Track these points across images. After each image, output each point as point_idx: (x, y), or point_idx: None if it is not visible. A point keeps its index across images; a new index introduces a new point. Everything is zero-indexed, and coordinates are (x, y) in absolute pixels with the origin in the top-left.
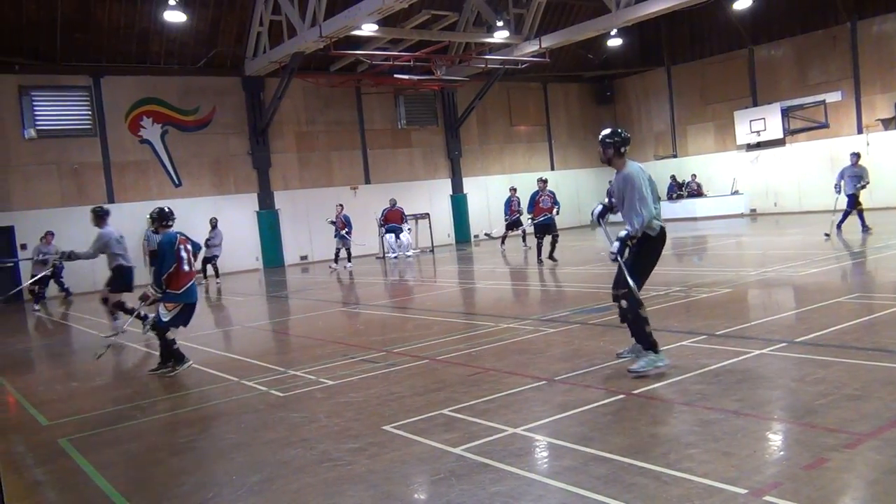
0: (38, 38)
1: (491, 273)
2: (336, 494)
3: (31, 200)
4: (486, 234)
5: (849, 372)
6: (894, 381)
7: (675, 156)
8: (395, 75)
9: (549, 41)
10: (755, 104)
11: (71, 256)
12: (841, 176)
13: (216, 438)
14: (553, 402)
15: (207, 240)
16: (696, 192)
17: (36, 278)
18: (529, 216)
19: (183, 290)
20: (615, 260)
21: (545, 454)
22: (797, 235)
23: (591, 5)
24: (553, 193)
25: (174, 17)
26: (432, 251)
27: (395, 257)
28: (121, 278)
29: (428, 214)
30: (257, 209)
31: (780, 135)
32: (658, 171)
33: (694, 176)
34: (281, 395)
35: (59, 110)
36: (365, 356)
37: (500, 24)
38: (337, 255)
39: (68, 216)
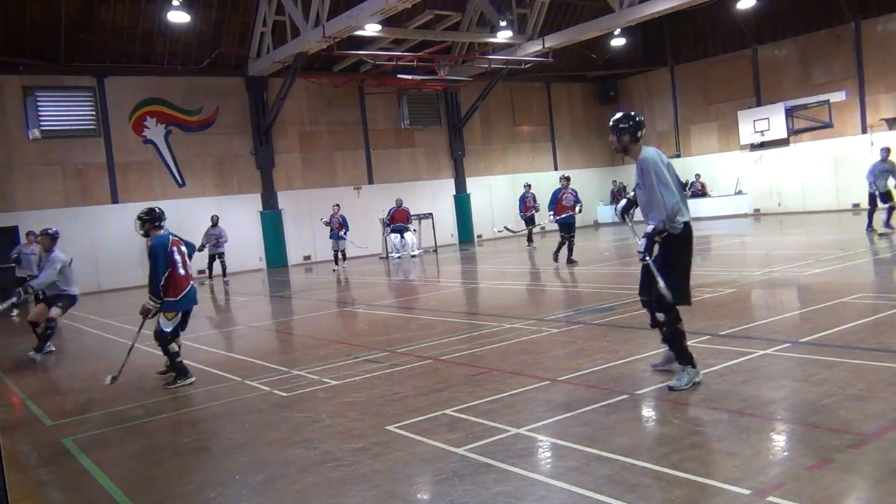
0: (42, 38)
1: (494, 273)
2: (339, 494)
3: (34, 200)
4: (505, 228)
5: (853, 372)
6: None
7: (678, 156)
8: (399, 75)
9: (552, 41)
10: (759, 104)
11: (28, 290)
12: (872, 172)
13: (220, 438)
14: (556, 402)
15: (207, 236)
16: (700, 192)
17: (9, 302)
18: (551, 214)
19: (181, 295)
20: (643, 259)
21: (548, 454)
22: (801, 235)
23: (594, 5)
24: (575, 191)
25: (178, 17)
26: (435, 251)
27: (399, 257)
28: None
29: (431, 214)
30: (261, 209)
31: (783, 134)
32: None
33: (698, 176)
34: (284, 395)
35: (62, 110)
36: (368, 356)
37: (503, 23)
38: (336, 256)
39: (72, 216)
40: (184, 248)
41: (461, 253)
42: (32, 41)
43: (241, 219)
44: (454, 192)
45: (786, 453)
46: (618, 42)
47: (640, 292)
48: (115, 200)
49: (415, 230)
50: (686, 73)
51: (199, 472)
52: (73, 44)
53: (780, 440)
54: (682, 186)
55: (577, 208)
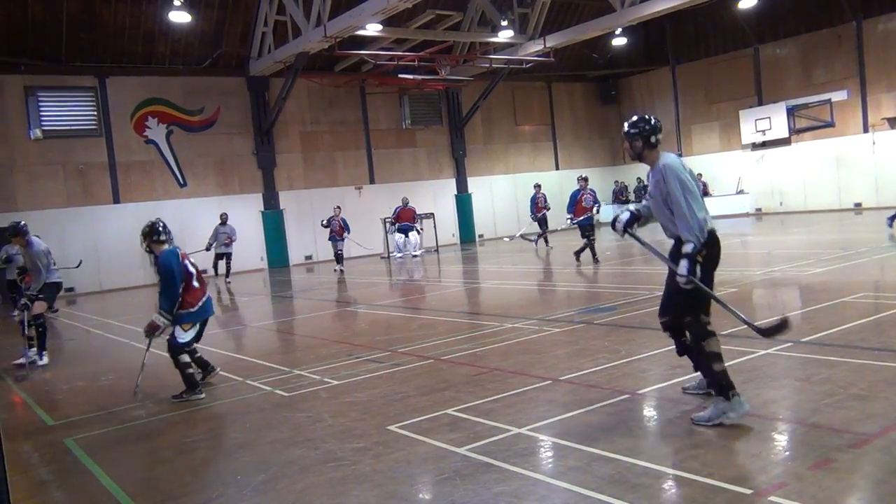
0: (43, 38)
1: (495, 273)
2: (341, 494)
3: (36, 201)
4: (521, 237)
5: (855, 372)
6: None
7: (680, 155)
8: (400, 75)
9: (553, 40)
10: (760, 103)
11: (31, 298)
12: None
13: (221, 438)
14: (557, 401)
15: (217, 235)
16: (702, 192)
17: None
18: (570, 216)
19: (199, 306)
20: (688, 284)
21: (550, 454)
22: (803, 235)
23: (595, 4)
24: (594, 192)
25: (179, 17)
26: (437, 251)
27: (401, 257)
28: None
29: (432, 214)
30: (262, 209)
31: (785, 134)
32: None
33: (699, 175)
34: (286, 394)
35: (64, 111)
36: (370, 356)
37: (504, 23)
38: (336, 256)
39: (73, 216)
40: (192, 260)
41: (462, 253)
42: (34, 41)
43: (242, 219)
44: (455, 192)
45: (787, 453)
46: (619, 41)
47: (661, 314)
48: (116, 200)
49: (421, 230)
50: (687, 72)
51: (201, 471)
52: (74, 44)
53: (781, 440)
54: (703, 192)
55: (596, 209)
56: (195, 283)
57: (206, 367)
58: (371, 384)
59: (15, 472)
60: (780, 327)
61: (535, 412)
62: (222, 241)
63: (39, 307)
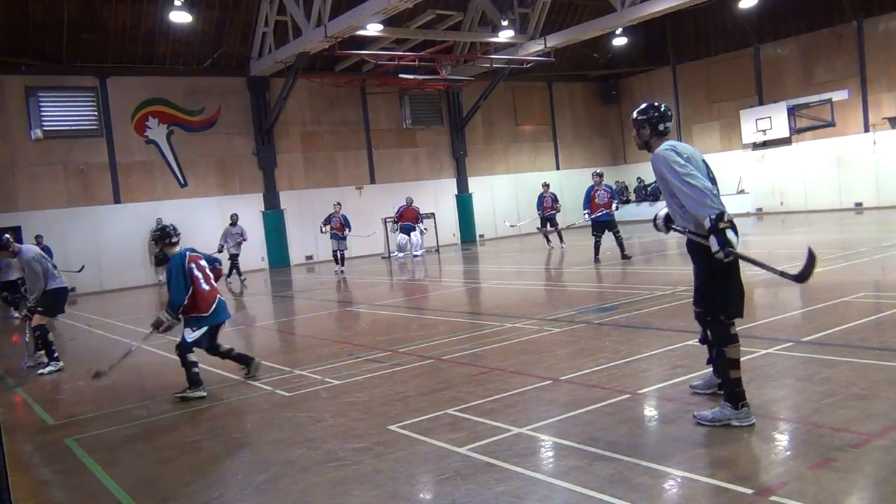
0: (44, 38)
1: (496, 273)
2: (341, 494)
3: (37, 201)
4: (510, 225)
5: (855, 371)
6: None
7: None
8: (400, 75)
9: (554, 40)
10: (761, 103)
11: (29, 309)
12: None
13: (222, 438)
14: (558, 401)
15: (230, 236)
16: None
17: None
18: (586, 212)
19: (211, 311)
20: (730, 256)
21: (550, 454)
22: (803, 235)
23: (596, 4)
24: (610, 188)
25: (180, 17)
26: (437, 251)
27: (402, 257)
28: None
29: (433, 214)
30: (263, 209)
31: (786, 133)
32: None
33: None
34: (286, 394)
35: (65, 111)
36: (370, 356)
37: (505, 23)
38: (336, 257)
39: (74, 216)
40: (203, 263)
41: (463, 253)
42: (35, 42)
43: (243, 219)
44: (456, 192)
45: (788, 452)
46: (619, 41)
47: (695, 303)
48: (117, 200)
49: (425, 229)
50: (688, 72)
51: (202, 471)
52: (75, 44)
53: (782, 439)
54: (714, 182)
55: (614, 205)
56: (204, 287)
57: (247, 361)
58: (372, 384)
59: (16, 471)
60: (809, 265)
61: (535, 412)
62: (236, 241)
63: (37, 320)
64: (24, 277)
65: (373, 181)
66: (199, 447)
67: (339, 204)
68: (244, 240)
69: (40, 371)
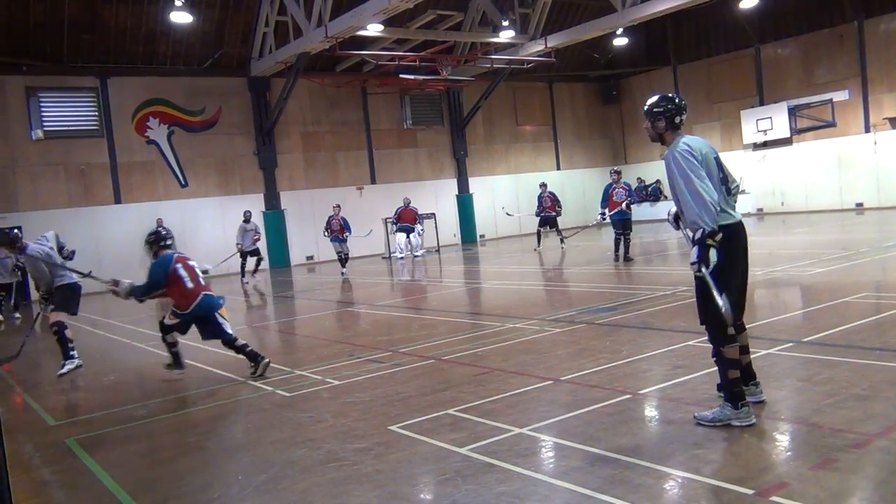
0: (45, 39)
1: (496, 273)
2: (342, 494)
3: (37, 201)
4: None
5: (856, 372)
6: None
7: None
8: (401, 75)
9: (554, 41)
10: (762, 103)
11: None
12: None
13: (223, 438)
14: (559, 402)
15: (245, 234)
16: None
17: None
18: (603, 211)
19: (190, 309)
20: (698, 272)
21: (551, 454)
22: (804, 235)
23: (596, 4)
24: (628, 185)
25: (180, 18)
26: (438, 251)
27: (402, 257)
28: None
29: (434, 214)
30: (263, 209)
31: (786, 134)
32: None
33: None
34: (287, 395)
35: (65, 111)
36: (371, 356)
37: (505, 23)
38: (340, 258)
39: (75, 217)
40: (192, 263)
41: (464, 253)
42: (35, 42)
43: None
44: (457, 192)
45: (789, 453)
46: (620, 41)
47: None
48: (117, 201)
49: (422, 230)
50: (689, 72)
51: (202, 471)
52: (75, 44)
53: (783, 440)
54: (725, 181)
55: (624, 204)
56: (188, 285)
57: (256, 359)
58: (372, 384)
59: (17, 472)
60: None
61: (536, 412)
62: (254, 238)
63: (53, 316)
64: (30, 275)
65: (373, 181)
66: (199, 447)
67: (337, 206)
68: (259, 237)
69: (59, 372)
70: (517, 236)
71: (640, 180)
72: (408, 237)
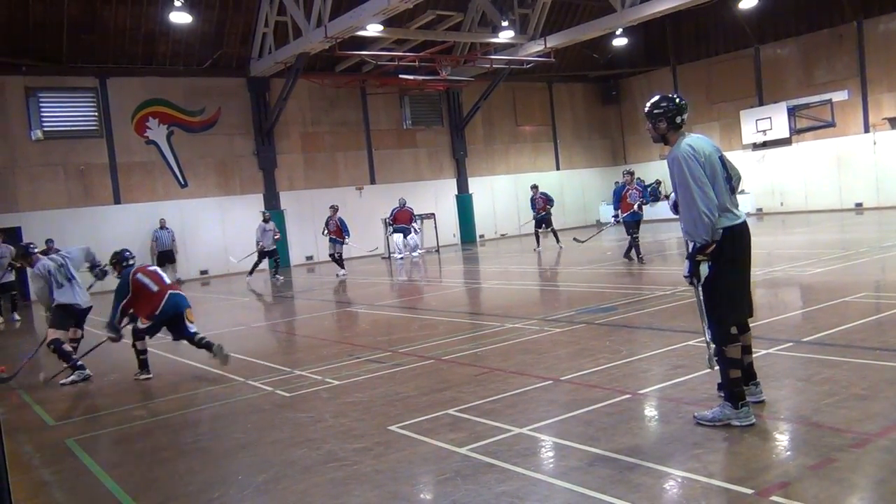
0: (44, 39)
1: (496, 273)
2: (342, 494)
3: (37, 201)
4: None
5: (856, 371)
6: None
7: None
8: (401, 76)
9: (554, 41)
10: (761, 103)
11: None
12: None
13: (222, 438)
14: (559, 401)
15: (265, 234)
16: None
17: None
18: (617, 212)
19: (160, 309)
20: (691, 284)
21: (551, 454)
22: (803, 235)
23: (596, 5)
24: (643, 186)
25: (180, 18)
26: (437, 251)
27: (402, 258)
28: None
29: (433, 214)
30: (263, 210)
31: (786, 134)
32: (664, 171)
33: None
34: (287, 395)
35: (65, 111)
36: (370, 356)
37: (505, 24)
38: (335, 259)
39: (74, 217)
40: (152, 268)
41: (463, 253)
42: (35, 42)
43: (243, 219)
44: (456, 193)
45: (788, 453)
46: (620, 42)
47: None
48: (117, 201)
49: (418, 231)
50: (688, 72)
51: (202, 472)
52: (75, 45)
53: (782, 439)
54: (729, 179)
55: (635, 206)
56: (153, 289)
57: (210, 347)
58: (372, 384)
59: (16, 472)
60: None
61: (536, 412)
62: (272, 239)
63: (50, 334)
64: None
65: (373, 182)
66: (199, 447)
67: (333, 208)
68: (279, 236)
69: (61, 381)
70: (516, 237)
71: (639, 180)
72: (404, 238)
